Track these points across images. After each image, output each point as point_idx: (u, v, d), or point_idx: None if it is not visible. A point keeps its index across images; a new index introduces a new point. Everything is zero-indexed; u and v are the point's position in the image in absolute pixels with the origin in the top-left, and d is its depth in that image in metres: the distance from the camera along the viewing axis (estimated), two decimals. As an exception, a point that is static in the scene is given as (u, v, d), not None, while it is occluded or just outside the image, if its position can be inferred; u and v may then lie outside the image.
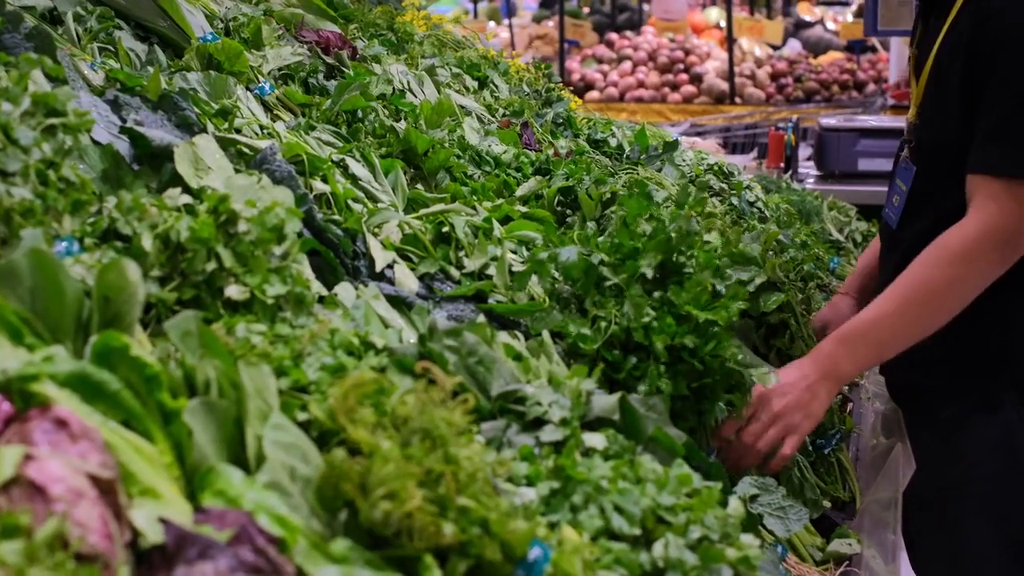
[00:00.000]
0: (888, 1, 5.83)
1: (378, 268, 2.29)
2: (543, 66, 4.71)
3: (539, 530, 1.57)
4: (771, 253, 2.76)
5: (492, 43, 13.10)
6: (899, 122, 2.98)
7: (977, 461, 2.73)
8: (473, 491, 1.45)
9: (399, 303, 2.20)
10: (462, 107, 3.49)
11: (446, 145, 2.95)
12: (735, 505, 1.71)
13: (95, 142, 2.16)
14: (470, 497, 1.44)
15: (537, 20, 16.39)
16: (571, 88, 5.03)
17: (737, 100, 11.58)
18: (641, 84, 12.03)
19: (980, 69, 2.55)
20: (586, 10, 16.77)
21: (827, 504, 2.70)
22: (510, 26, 15.42)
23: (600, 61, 12.63)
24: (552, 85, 4.56)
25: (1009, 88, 2.52)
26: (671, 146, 3.96)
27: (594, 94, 12.04)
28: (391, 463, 1.38)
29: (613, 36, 13.23)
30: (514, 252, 2.51)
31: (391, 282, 2.29)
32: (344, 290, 2.14)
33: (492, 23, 16.75)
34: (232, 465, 1.44)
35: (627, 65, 12.34)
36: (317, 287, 2.13)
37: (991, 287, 2.56)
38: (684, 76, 12.05)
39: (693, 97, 11.80)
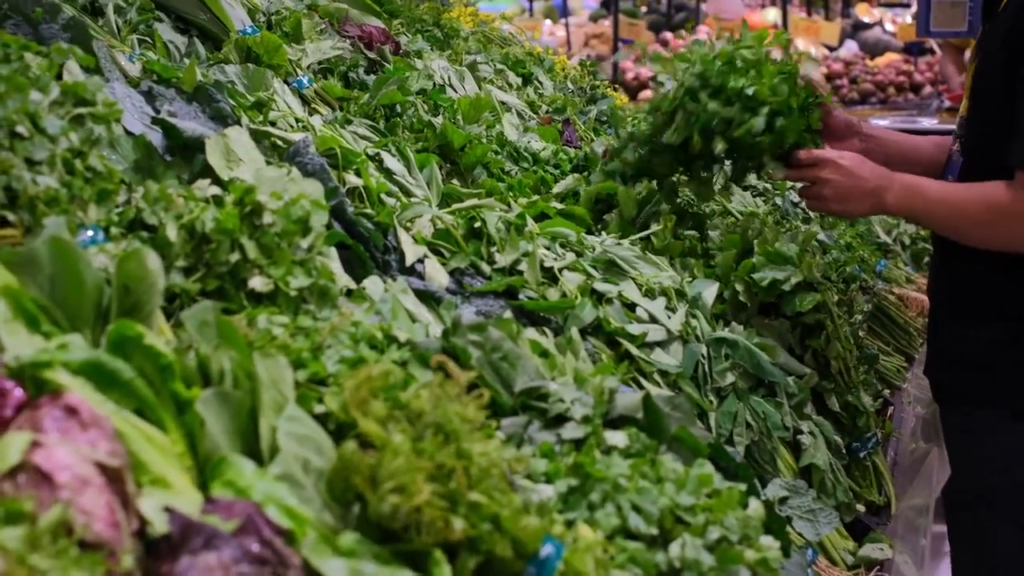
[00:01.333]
0: (941, 2, 5.77)
1: (408, 262, 2.28)
2: (589, 63, 4.70)
3: (555, 527, 1.56)
4: (810, 254, 2.73)
5: (547, 41, 13.08)
6: (951, 125, 2.98)
7: (1006, 467, 2.71)
8: (486, 487, 1.44)
9: (428, 298, 2.19)
10: (503, 103, 3.48)
11: (484, 141, 2.95)
12: (756, 506, 1.70)
13: (128, 132, 2.17)
14: (482, 493, 1.43)
15: (594, 19, 16.33)
16: (613, 87, 4.99)
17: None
18: (695, 83, 11.95)
19: (1017, 65, 2.57)
20: (644, 9, 16.70)
21: (861, 508, 2.67)
22: (566, 24, 15.37)
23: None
24: (597, 82, 4.55)
25: None
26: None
27: (648, 93, 11.98)
28: (401, 457, 1.37)
29: (668, 35, 13.16)
30: (547, 248, 2.50)
31: (421, 277, 2.28)
32: (372, 284, 2.14)
33: (548, 21, 16.71)
34: (245, 456, 1.44)
35: (682, 64, 12.28)
36: (346, 280, 2.13)
37: None
38: (739, 76, 11.96)
39: (747, 97, 11.71)
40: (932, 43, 12.38)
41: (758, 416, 2.45)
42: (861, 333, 3.64)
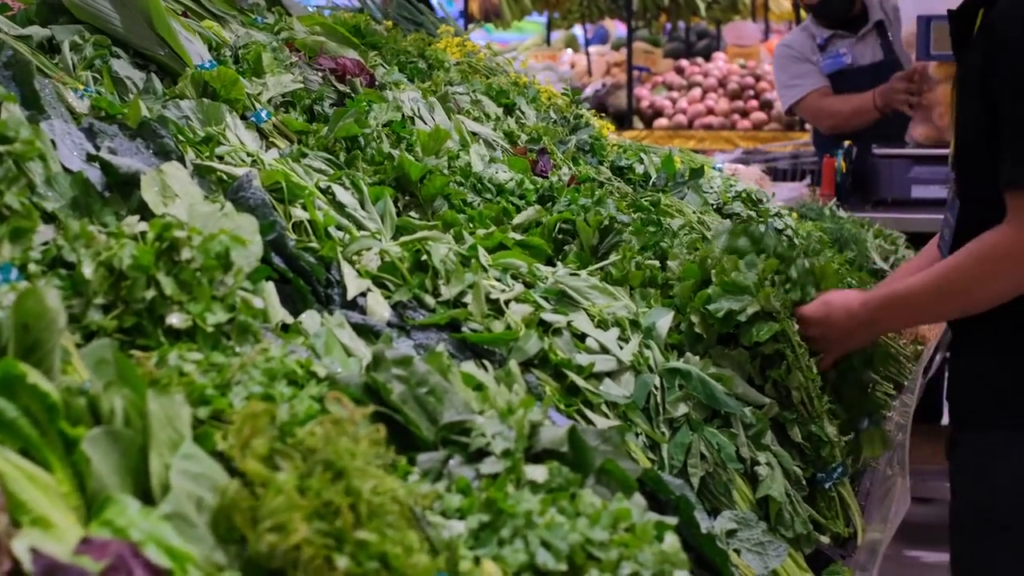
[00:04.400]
0: (940, 26, 5.74)
1: (350, 296, 2.27)
2: (573, 92, 4.69)
3: (463, 564, 1.54)
4: (769, 283, 2.70)
5: (564, 71, 13.07)
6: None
7: (1015, 493, 2.69)
8: (377, 524, 1.42)
9: (367, 332, 2.18)
10: (473, 133, 3.47)
11: (445, 172, 2.93)
12: (671, 541, 1.67)
13: (67, 170, 2.17)
14: (373, 530, 1.41)
15: (616, 47, 16.36)
16: (600, 115, 4.98)
17: (807, 127, 11.44)
18: (710, 111, 11.94)
19: (993, 88, 2.61)
20: (665, 37, 16.72)
21: (825, 539, 2.63)
22: (587, 53, 15.44)
23: (670, 88, 12.57)
24: (580, 112, 4.53)
25: (1014, 100, 2.56)
26: (696, 173, 3.92)
27: (663, 121, 11.98)
28: (282, 495, 1.36)
29: (683, 63, 13.16)
30: (498, 280, 2.48)
31: (364, 311, 2.27)
32: (309, 318, 2.13)
33: (569, 50, 16.75)
34: (137, 495, 1.42)
35: (697, 92, 12.26)
36: (282, 314, 2.12)
37: None
38: (754, 103, 11.94)
39: (763, 124, 11.70)
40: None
41: (712, 447, 2.43)
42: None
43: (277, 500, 1.35)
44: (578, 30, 17.20)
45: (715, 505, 2.42)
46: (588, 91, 12.59)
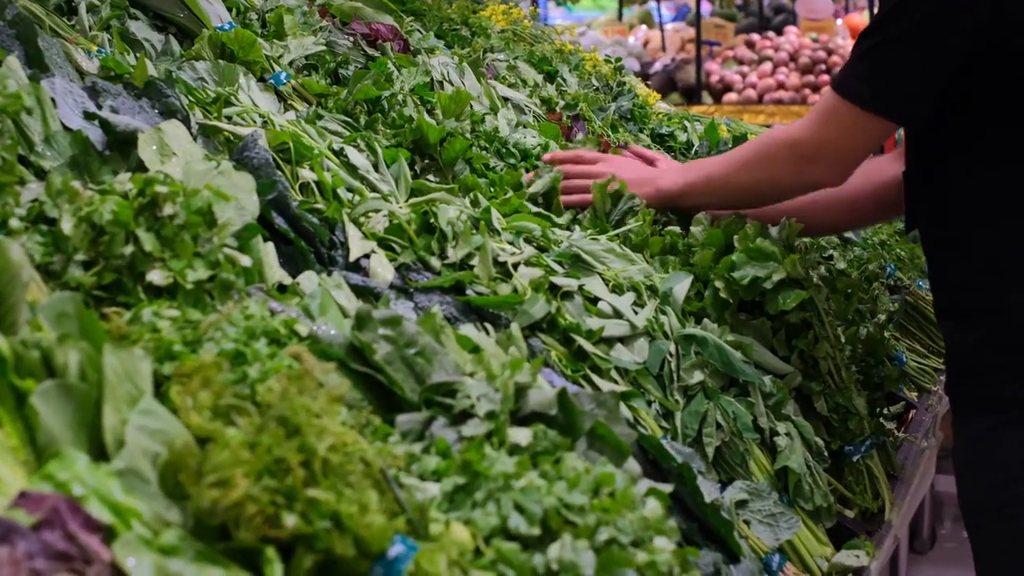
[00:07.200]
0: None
1: (353, 257, 2.23)
2: (616, 60, 4.61)
3: (434, 527, 1.50)
4: (797, 250, 2.62)
5: (634, 46, 12.96)
6: None
7: (1016, 478, 2.54)
8: (332, 482, 1.38)
9: (367, 293, 2.14)
10: (506, 99, 3.41)
11: (467, 136, 2.88)
12: (653, 507, 1.61)
13: (67, 129, 2.14)
14: (328, 489, 1.37)
15: (691, 23, 16.22)
16: (647, 82, 4.90)
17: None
18: (781, 85, 11.75)
19: None
20: (741, 12, 16.51)
21: (849, 513, 2.56)
22: (661, 28, 15.32)
23: (740, 62, 12.39)
24: (624, 79, 4.46)
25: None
26: (739, 141, 3.83)
27: (732, 96, 11.82)
28: (227, 450, 1.32)
29: (754, 37, 12.96)
30: (511, 243, 2.42)
31: (367, 273, 2.23)
32: (307, 279, 2.09)
33: (644, 26, 16.61)
34: (90, 450, 1.39)
35: (767, 66, 12.08)
36: (281, 275, 2.08)
37: None
38: (826, 77, 11.72)
39: (834, 98, 11.48)
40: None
41: (728, 416, 2.36)
42: (887, 333, 3.52)
43: (221, 455, 1.31)
44: (653, 5, 17.08)
45: (731, 475, 2.35)
46: (657, 66, 12.48)
